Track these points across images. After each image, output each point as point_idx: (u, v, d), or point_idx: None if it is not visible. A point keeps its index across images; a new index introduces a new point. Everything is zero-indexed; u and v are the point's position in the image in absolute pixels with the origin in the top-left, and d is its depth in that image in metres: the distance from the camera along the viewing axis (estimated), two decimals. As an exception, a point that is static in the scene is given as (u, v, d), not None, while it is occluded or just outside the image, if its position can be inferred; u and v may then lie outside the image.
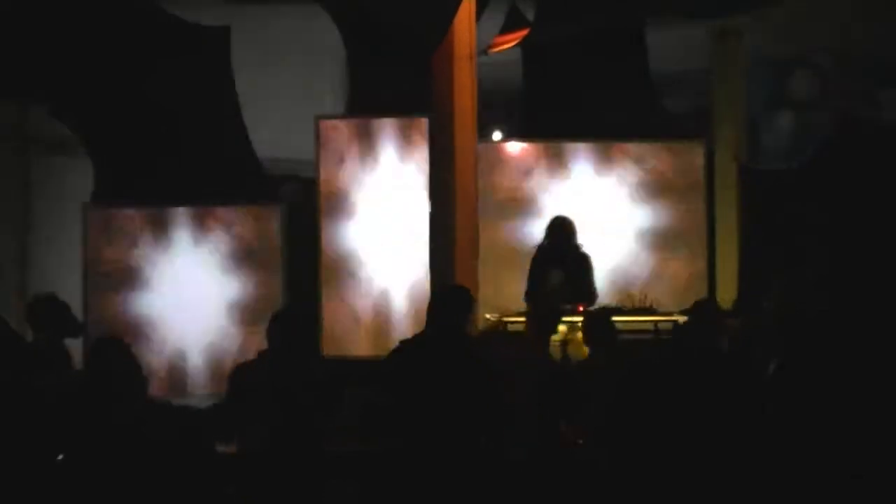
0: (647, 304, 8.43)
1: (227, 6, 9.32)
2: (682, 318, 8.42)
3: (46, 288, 9.98)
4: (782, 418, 5.50)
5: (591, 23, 8.32)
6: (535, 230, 9.51)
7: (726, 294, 9.57)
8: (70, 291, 8.85)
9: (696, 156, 9.82)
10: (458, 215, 7.93)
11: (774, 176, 10.59)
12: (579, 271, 8.31)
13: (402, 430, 5.22)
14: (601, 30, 9.21)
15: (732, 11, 10.20)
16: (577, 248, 8.40)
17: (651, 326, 8.38)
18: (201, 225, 9.62)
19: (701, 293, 9.54)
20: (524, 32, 8.30)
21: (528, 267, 8.41)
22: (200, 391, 9.08)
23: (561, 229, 8.34)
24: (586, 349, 6.91)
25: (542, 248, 8.47)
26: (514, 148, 9.83)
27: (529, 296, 8.22)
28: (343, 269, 9.56)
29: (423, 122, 8.92)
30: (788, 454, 5.38)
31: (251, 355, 6.03)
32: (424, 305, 7.64)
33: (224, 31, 9.49)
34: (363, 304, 9.53)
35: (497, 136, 10.67)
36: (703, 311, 6.11)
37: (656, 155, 9.79)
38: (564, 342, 7.68)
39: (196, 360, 9.38)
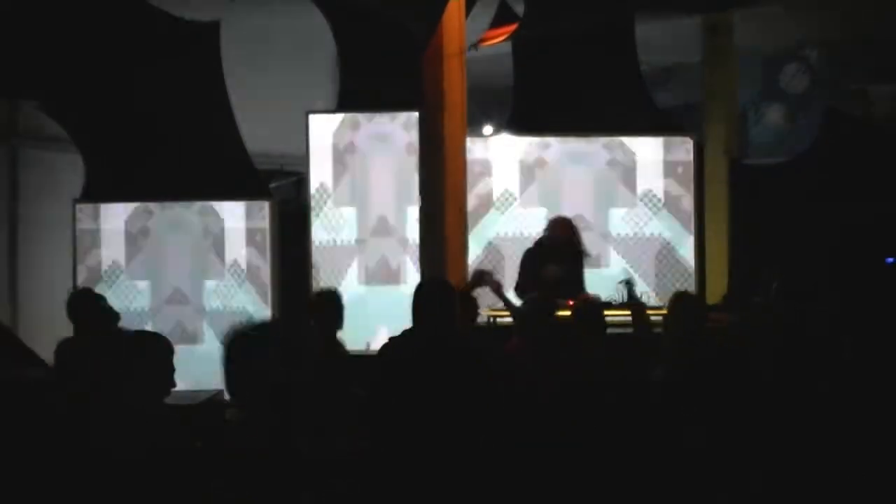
0: (639, 298, 8.43)
1: (217, 1, 9.30)
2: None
3: (36, 283, 10.05)
4: (782, 417, 5.50)
5: (579, 17, 8.31)
6: (525, 225, 9.60)
7: (716, 289, 9.59)
8: (59, 287, 8.87)
9: (685, 150, 9.84)
10: (448, 210, 7.92)
11: (763, 170, 10.62)
12: (575, 267, 8.36)
13: (399, 429, 5.11)
14: (590, 24, 9.21)
15: (723, 6, 10.21)
16: (575, 245, 8.44)
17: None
18: (191, 219, 9.67)
19: (690, 288, 9.58)
20: (513, 27, 8.28)
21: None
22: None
23: (561, 229, 8.38)
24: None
25: (539, 244, 8.50)
26: (504, 142, 9.86)
27: (521, 289, 8.23)
28: (334, 263, 9.59)
29: (413, 118, 8.94)
30: (787, 454, 5.38)
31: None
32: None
33: (214, 27, 9.48)
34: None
35: (488, 130, 10.69)
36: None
37: (646, 149, 9.80)
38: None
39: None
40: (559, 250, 8.30)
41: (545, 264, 8.24)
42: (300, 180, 10.07)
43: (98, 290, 7.59)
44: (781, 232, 9.72)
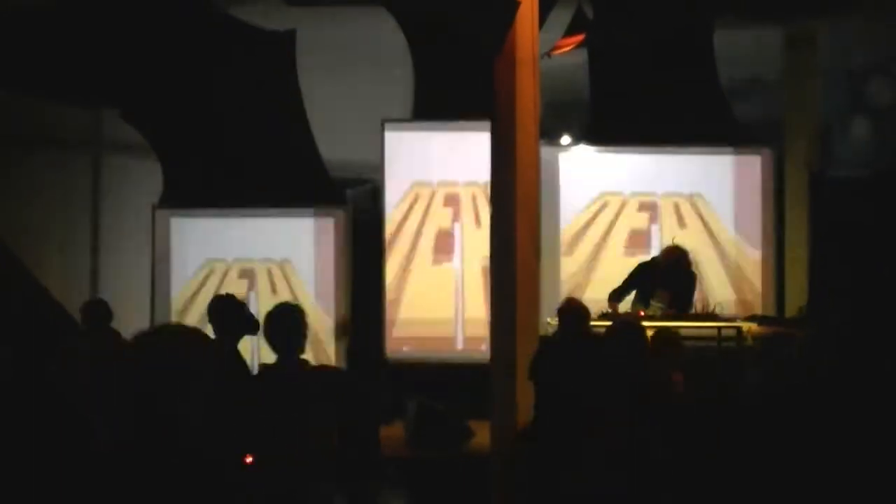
0: (711, 310, 8.32)
1: (294, 10, 9.39)
2: (746, 325, 8.31)
3: (116, 287, 10.20)
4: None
5: (654, 25, 8.23)
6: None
7: (794, 304, 9.40)
8: (139, 292, 9.02)
9: (763, 164, 9.65)
10: (519, 218, 7.85)
11: (847, 184, 10.38)
12: (686, 289, 8.38)
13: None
14: (668, 34, 9.11)
15: (806, 16, 10.02)
16: (687, 272, 8.47)
17: (714, 332, 8.29)
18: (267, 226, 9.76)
19: (769, 303, 9.40)
20: (582, 36, 8.22)
21: None
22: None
23: (677, 260, 8.42)
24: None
25: (653, 265, 8.51)
26: (580, 153, 9.78)
27: (618, 294, 8.28)
28: (408, 272, 9.60)
29: (487, 126, 8.90)
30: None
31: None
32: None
33: (290, 35, 9.58)
34: (429, 307, 9.55)
35: (565, 140, 10.62)
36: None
37: (723, 163, 9.64)
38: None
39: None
40: (672, 271, 8.33)
41: (655, 289, 8.27)
42: (376, 188, 10.10)
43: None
44: (864, 247, 9.48)
